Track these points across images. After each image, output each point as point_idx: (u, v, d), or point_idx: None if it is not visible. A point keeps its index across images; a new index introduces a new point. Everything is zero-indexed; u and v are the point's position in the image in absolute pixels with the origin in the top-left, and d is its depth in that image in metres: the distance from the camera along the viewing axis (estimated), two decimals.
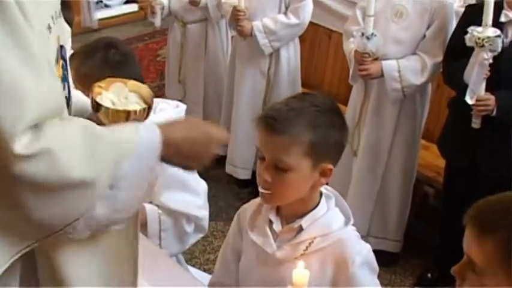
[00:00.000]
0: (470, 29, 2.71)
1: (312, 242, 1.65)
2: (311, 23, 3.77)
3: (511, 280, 1.24)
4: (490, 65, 2.72)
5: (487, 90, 2.78)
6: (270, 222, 1.70)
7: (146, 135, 1.22)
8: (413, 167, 3.41)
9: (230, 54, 3.97)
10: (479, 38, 2.67)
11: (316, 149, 1.59)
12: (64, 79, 1.31)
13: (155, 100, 2.41)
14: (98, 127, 1.20)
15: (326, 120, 1.61)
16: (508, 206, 1.28)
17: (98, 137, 1.17)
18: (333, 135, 1.62)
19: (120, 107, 1.44)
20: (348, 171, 3.36)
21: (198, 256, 3.45)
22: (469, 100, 2.78)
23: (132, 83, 1.55)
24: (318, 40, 4.45)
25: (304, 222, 1.65)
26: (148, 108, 1.48)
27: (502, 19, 2.76)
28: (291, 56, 3.75)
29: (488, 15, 2.65)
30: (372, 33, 3.00)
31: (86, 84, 1.36)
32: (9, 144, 1.07)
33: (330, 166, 1.62)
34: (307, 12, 3.58)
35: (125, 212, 1.23)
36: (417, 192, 3.59)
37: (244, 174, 3.93)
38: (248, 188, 3.96)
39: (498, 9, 2.75)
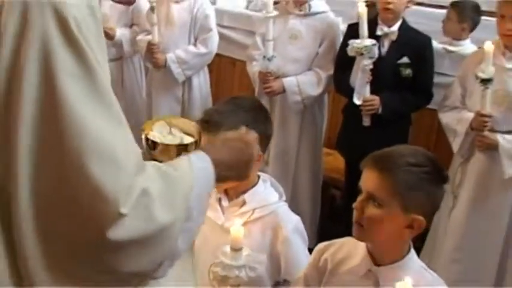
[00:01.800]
0: (350, 41, 3.14)
1: (253, 212, 2.01)
2: (216, 54, 4.09)
3: (404, 211, 1.62)
4: (372, 70, 3.15)
5: (372, 92, 3.21)
6: (220, 200, 2.06)
7: (200, 165, 1.26)
8: (319, 170, 3.79)
9: (146, 86, 4.21)
10: (358, 48, 3.10)
11: None
12: None
13: None
14: (163, 166, 1.22)
15: (249, 117, 1.97)
16: (402, 153, 1.68)
17: (169, 177, 1.18)
18: (257, 128, 1.98)
19: (175, 142, 1.53)
20: None
21: None
22: (357, 101, 3.21)
23: (176, 118, 1.69)
24: (223, 69, 4.77)
25: (246, 196, 2.02)
26: (196, 142, 1.59)
27: (378, 33, 3.23)
28: (201, 82, 4.07)
29: (364, 28, 3.09)
30: (272, 55, 3.37)
31: None
32: (116, 207, 1.06)
33: (260, 153, 2.00)
34: (214, 42, 3.94)
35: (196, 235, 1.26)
36: (325, 195, 3.96)
37: None
38: None
39: (374, 24, 3.21)
